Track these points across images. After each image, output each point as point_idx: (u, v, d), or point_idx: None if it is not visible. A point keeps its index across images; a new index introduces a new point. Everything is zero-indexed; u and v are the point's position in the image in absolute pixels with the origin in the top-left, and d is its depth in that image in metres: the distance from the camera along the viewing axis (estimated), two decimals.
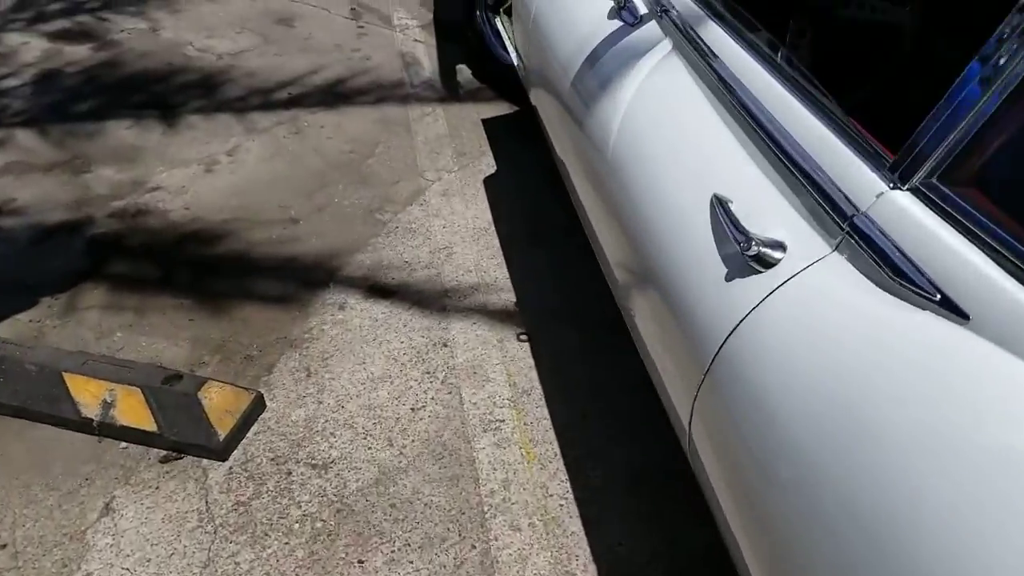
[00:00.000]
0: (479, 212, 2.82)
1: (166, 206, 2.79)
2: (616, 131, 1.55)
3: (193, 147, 3.12)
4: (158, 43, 3.86)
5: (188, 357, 2.20)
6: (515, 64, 2.65)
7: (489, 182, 2.99)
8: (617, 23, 1.73)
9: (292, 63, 3.72)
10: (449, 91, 3.56)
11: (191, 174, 2.96)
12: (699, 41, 1.48)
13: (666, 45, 1.58)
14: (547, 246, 2.67)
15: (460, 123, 3.35)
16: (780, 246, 1.10)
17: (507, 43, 2.77)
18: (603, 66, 1.70)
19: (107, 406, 1.97)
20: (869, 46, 1.93)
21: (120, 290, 2.42)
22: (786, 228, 1.12)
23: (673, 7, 1.62)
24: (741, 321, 1.10)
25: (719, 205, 1.22)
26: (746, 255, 1.11)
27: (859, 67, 1.94)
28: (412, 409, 2.08)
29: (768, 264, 1.10)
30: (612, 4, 1.76)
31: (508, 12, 2.89)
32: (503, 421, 2.05)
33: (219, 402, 1.98)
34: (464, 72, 3.71)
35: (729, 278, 1.16)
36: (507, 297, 2.46)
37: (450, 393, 2.12)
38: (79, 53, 3.75)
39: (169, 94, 3.44)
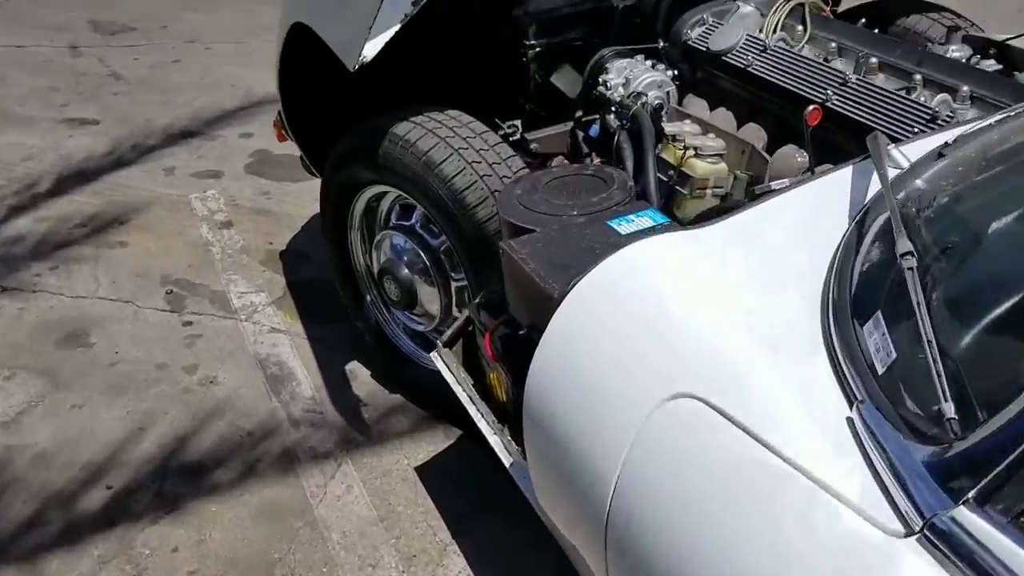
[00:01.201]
0: None
1: None
2: None
3: None
4: None
5: None
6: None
7: None
8: None
9: (102, 421, 2.49)
10: (349, 420, 2.44)
11: None
12: None
13: None
14: None
15: (387, 487, 2.24)
16: None
17: (457, 389, 1.76)
18: None
19: None
20: None
21: None
22: None
23: None
24: None
25: None
26: None
27: None
28: None
29: None
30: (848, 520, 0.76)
31: (450, 344, 1.85)
32: None
33: None
34: (359, 376, 2.60)
35: None
36: None
37: None
38: None
39: None
